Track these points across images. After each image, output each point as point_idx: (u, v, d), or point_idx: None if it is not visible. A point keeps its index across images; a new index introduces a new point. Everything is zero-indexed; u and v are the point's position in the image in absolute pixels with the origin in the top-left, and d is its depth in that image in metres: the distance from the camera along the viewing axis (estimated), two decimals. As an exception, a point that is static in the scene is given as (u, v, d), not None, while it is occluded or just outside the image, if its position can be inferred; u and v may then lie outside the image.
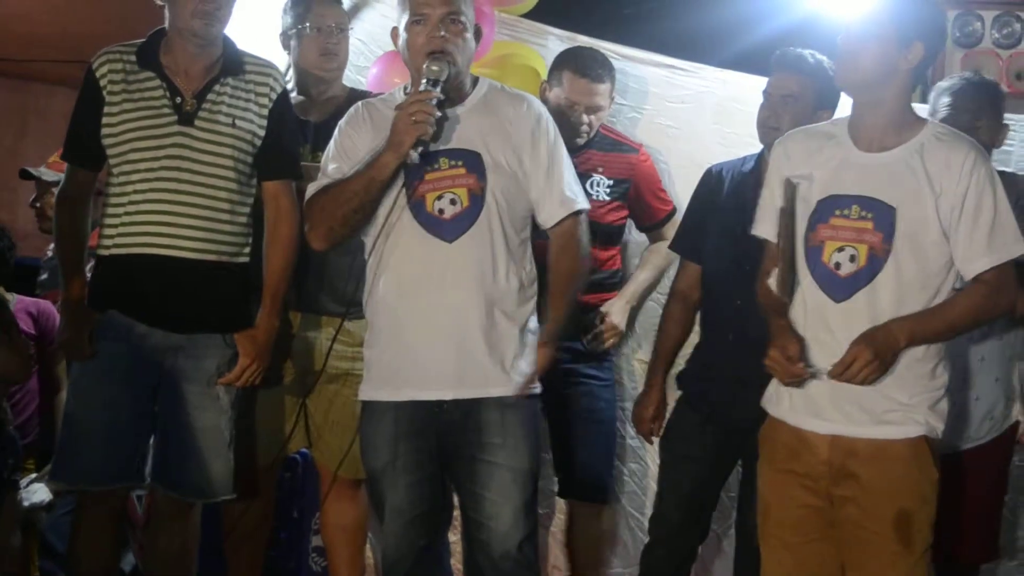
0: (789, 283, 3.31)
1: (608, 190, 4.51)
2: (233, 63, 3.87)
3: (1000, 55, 6.32)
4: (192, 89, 3.80)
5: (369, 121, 3.63)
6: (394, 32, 3.67)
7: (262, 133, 3.86)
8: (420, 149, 3.43)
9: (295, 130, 4.04)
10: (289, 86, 4.24)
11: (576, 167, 3.74)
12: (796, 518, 3.35)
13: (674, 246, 4.45)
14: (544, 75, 4.68)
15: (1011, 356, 4.08)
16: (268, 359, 3.92)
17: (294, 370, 4.16)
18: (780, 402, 3.39)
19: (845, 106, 3.77)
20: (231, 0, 3.81)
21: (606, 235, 4.49)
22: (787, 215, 3.32)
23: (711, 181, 4.31)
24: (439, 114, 3.45)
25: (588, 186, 4.43)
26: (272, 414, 4.17)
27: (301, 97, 4.27)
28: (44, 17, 7.96)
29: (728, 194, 4.18)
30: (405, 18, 3.59)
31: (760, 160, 4.16)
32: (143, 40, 3.87)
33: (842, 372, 3.17)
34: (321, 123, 4.13)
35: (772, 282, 3.35)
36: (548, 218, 3.62)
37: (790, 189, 3.33)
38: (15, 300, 5.13)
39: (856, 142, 3.33)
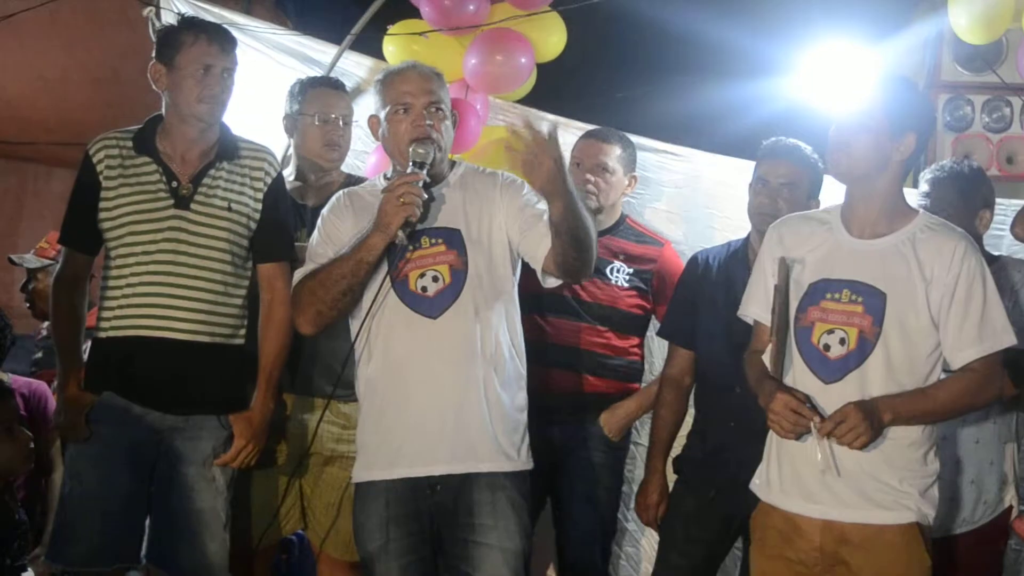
0: (781, 361, 3.32)
1: (628, 277, 4.47)
2: (228, 148, 3.91)
3: (990, 139, 6.38)
4: (188, 173, 3.84)
5: (351, 208, 3.68)
6: (373, 121, 3.73)
7: (257, 216, 3.89)
8: (407, 230, 3.47)
9: (290, 213, 4.07)
10: (288, 170, 4.28)
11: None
12: None
13: (663, 332, 4.45)
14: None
15: (1004, 440, 4.08)
16: (264, 441, 3.92)
17: (288, 451, 4.15)
18: (771, 487, 3.39)
19: (827, 195, 3.82)
20: (231, 85, 3.87)
21: (624, 320, 4.47)
22: (782, 292, 3.34)
23: (697, 267, 4.33)
24: (425, 196, 3.49)
25: (608, 272, 4.44)
26: (267, 495, 4.15)
27: (298, 182, 4.30)
28: (43, 101, 8.04)
29: (717, 279, 4.20)
30: (387, 108, 3.65)
31: (747, 244, 4.20)
32: (139, 126, 3.92)
33: (832, 428, 3.16)
34: (318, 207, 4.11)
35: (766, 359, 3.37)
36: (541, 252, 3.55)
37: (784, 268, 3.35)
38: (9, 380, 5.11)
39: (849, 229, 3.37)
